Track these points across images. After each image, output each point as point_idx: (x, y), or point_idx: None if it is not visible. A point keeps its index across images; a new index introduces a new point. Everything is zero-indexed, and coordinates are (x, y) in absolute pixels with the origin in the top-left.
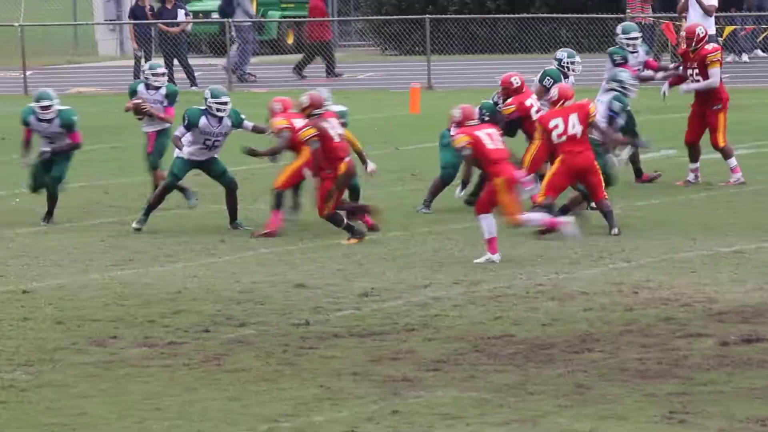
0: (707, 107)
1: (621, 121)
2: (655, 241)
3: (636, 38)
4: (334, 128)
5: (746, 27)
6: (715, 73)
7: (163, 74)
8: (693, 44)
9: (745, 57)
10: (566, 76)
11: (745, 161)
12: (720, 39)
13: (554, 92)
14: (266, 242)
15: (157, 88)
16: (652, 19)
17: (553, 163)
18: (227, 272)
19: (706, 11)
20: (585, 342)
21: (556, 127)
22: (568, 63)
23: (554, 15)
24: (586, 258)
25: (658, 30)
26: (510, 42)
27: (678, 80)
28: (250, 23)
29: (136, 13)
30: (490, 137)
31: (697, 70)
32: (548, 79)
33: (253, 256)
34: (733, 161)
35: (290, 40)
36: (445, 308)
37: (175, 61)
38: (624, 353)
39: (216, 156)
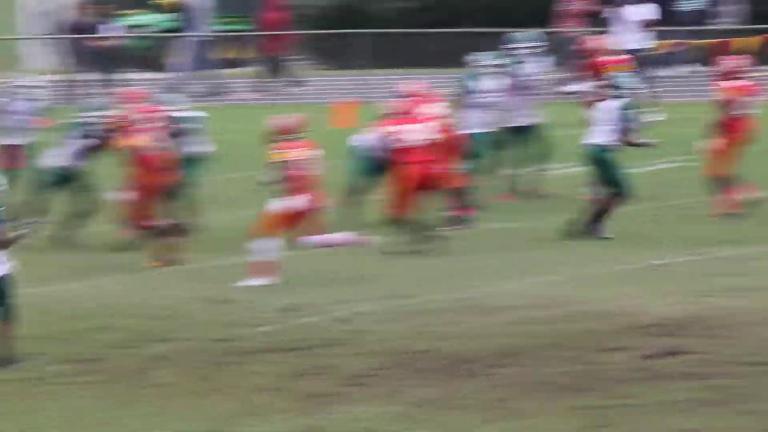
0: None
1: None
2: (580, 255)
3: (523, 48)
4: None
5: (677, 42)
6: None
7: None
8: (589, 57)
9: (679, 70)
10: None
11: (671, 175)
12: (654, 53)
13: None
14: (187, 258)
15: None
16: (581, 32)
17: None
18: (148, 288)
19: (640, 26)
20: (508, 356)
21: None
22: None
23: (489, 29)
24: (512, 271)
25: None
26: (448, 55)
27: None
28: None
29: (68, 28)
30: (305, 158)
31: (595, 83)
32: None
33: (174, 272)
34: None
35: (233, 55)
36: (368, 323)
37: (108, 76)
38: (547, 367)
39: None
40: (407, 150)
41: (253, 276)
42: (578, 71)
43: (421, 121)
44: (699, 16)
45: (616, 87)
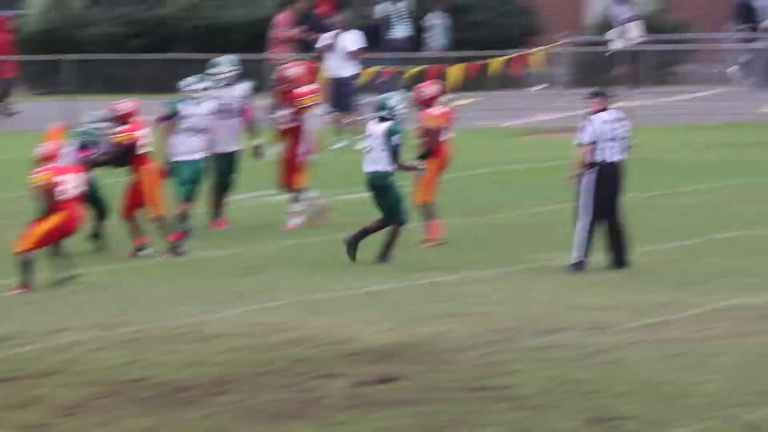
0: (296, 150)
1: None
2: (293, 281)
3: (224, 74)
4: None
5: (387, 69)
6: (310, 116)
7: None
8: (286, 86)
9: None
10: None
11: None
12: (363, 80)
13: None
14: None
15: None
16: (295, 60)
17: None
18: None
19: (350, 54)
20: (222, 384)
21: None
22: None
23: (198, 55)
24: (226, 299)
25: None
26: (158, 81)
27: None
28: None
29: None
30: (70, 182)
31: (292, 112)
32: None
33: None
34: (299, 206)
35: None
36: (80, 352)
37: None
38: (261, 394)
39: None
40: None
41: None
42: (277, 98)
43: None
44: (409, 44)
45: (382, 109)
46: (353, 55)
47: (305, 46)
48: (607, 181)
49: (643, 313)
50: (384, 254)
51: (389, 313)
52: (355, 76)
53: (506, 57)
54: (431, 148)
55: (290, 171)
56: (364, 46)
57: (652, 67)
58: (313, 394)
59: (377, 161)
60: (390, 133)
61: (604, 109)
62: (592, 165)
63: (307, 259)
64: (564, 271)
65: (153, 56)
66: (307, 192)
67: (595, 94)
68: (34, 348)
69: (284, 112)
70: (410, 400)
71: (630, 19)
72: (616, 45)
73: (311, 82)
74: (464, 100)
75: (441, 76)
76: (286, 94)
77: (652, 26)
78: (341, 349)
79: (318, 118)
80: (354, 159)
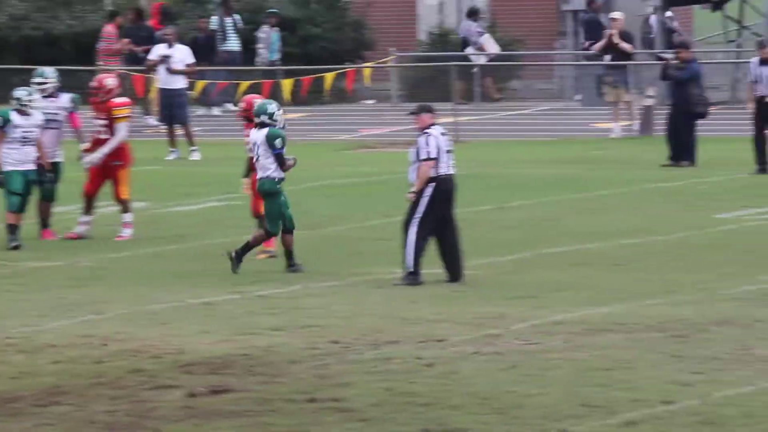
0: (109, 162)
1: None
2: (125, 292)
3: (47, 84)
4: None
5: (219, 82)
6: (121, 128)
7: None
8: (102, 96)
9: (216, 110)
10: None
11: (216, 213)
12: (192, 93)
13: None
14: None
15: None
16: (123, 71)
17: None
18: None
19: (179, 67)
20: (53, 395)
21: None
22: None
23: (28, 66)
24: (57, 310)
25: (127, 83)
26: None
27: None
28: None
29: None
30: None
31: (105, 122)
32: None
33: None
34: (128, 216)
35: None
36: None
37: None
38: (93, 406)
39: None
40: None
41: None
42: (94, 109)
43: None
44: (241, 57)
45: (261, 115)
46: (183, 70)
47: (133, 58)
48: (443, 195)
49: (478, 326)
50: (290, 263)
51: (223, 325)
52: (187, 89)
53: (339, 71)
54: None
55: (98, 181)
56: (193, 61)
57: (481, 83)
58: (146, 406)
59: (265, 168)
60: (271, 138)
61: (434, 124)
62: (432, 179)
63: (140, 270)
64: (398, 284)
65: None
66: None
67: (423, 109)
68: None
69: (99, 122)
70: (244, 411)
71: (481, 34)
72: (478, 60)
73: (134, 94)
74: (297, 114)
75: (274, 90)
76: (99, 105)
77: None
78: (175, 360)
79: (126, 130)
80: (187, 171)
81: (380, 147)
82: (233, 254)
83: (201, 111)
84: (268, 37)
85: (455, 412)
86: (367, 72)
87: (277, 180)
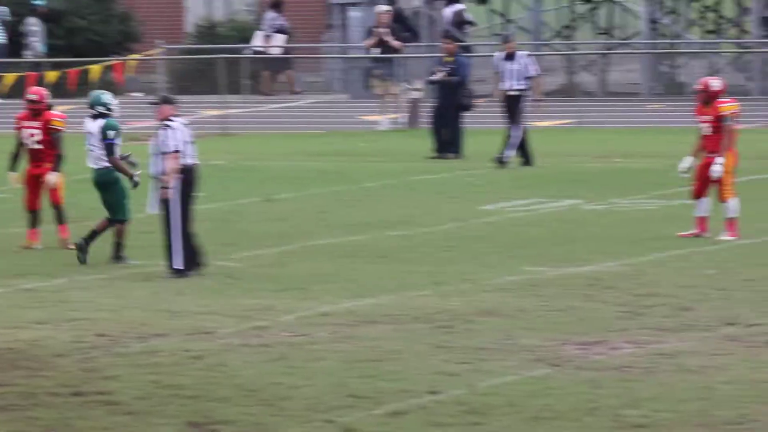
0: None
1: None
2: None
3: None
4: None
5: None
6: None
7: None
8: None
9: None
10: None
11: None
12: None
13: None
14: None
15: None
16: None
17: None
18: None
19: None
20: None
21: None
22: None
23: None
24: None
25: None
26: None
27: None
28: None
29: None
30: None
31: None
32: None
33: None
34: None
35: None
36: None
37: None
38: None
39: None
40: None
41: None
42: None
43: None
44: (6, 50)
45: (96, 105)
46: None
47: None
48: (190, 185)
49: (244, 318)
50: (117, 254)
51: None
52: None
53: (105, 63)
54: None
55: None
56: None
57: (250, 75)
58: None
59: (99, 158)
60: (105, 128)
61: (174, 115)
62: (180, 171)
63: None
64: (164, 277)
65: None
66: None
67: (164, 101)
68: None
69: None
70: (8, 405)
71: (279, 29)
72: (269, 51)
73: None
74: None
75: (40, 82)
76: None
77: (249, 36)
78: None
79: None
80: None
81: (142, 140)
82: (81, 243)
83: None
84: (34, 29)
85: (222, 404)
86: (132, 64)
87: (111, 169)
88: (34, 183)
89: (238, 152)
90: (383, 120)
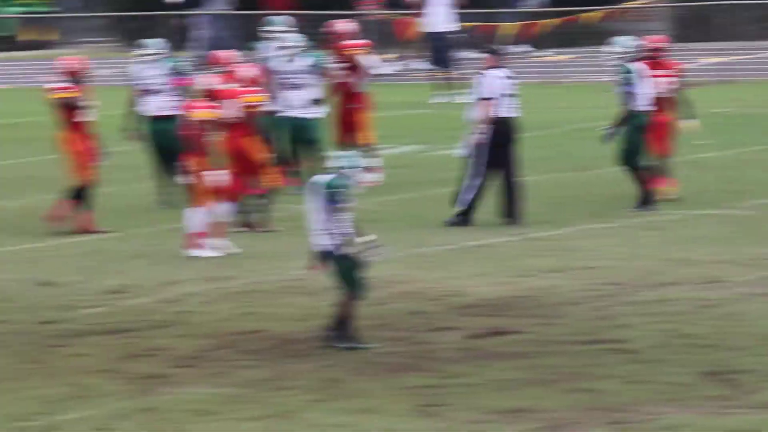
0: (350, 106)
1: None
2: (404, 235)
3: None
4: None
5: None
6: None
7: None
8: (341, 39)
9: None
10: None
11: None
12: (460, 35)
13: None
14: (10, 239)
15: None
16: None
17: None
18: None
19: (446, 8)
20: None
21: None
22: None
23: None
24: None
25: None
26: None
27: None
28: None
29: None
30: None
31: (342, 66)
32: None
33: None
34: (373, 161)
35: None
36: (195, 304)
37: None
38: (375, 347)
39: None
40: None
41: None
42: (331, 53)
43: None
44: None
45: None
46: (450, 8)
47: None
48: (502, 136)
49: (756, 267)
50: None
51: (500, 267)
52: (453, 31)
53: (602, 10)
54: None
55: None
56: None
57: (750, 21)
58: (425, 347)
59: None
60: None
61: (497, 66)
62: (493, 121)
63: (417, 213)
64: (445, 222)
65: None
66: None
67: (489, 51)
68: (149, 300)
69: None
70: (524, 353)
71: None
72: None
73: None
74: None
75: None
76: (335, 48)
77: None
78: (453, 302)
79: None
80: (454, 114)
81: None
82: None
83: (468, 54)
84: None
85: (737, 353)
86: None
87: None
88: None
89: (741, 99)
90: None
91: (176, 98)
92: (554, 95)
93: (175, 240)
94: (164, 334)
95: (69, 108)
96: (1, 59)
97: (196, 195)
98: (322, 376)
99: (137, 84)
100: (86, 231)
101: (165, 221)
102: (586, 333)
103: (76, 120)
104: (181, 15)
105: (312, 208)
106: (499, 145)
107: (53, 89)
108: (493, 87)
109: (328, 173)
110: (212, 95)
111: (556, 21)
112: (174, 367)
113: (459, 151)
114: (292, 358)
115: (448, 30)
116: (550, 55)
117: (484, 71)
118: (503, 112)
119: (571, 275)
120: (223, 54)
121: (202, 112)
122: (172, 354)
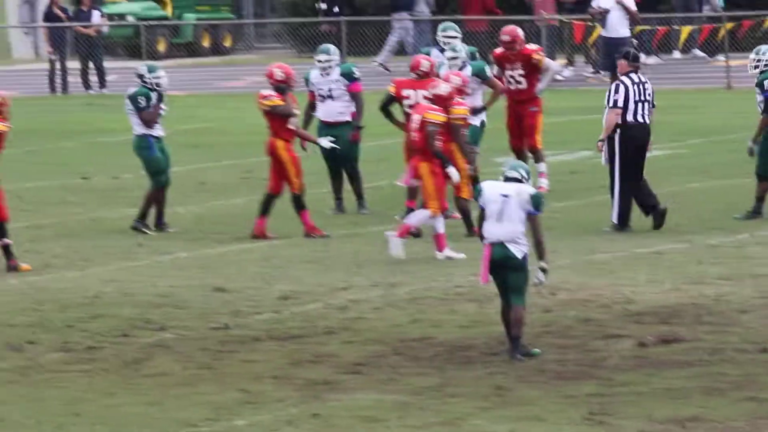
0: (524, 110)
1: None
2: (573, 242)
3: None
4: None
5: (659, 28)
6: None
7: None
8: (514, 46)
9: (654, 59)
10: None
11: (661, 163)
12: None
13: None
14: (184, 246)
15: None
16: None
17: None
18: (144, 276)
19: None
20: (504, 344)
21: None
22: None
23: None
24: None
25: (566, 31)
26: None
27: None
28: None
29: (50, 16)
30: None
31: (520, 71)
32: None
33: (171, 260)
34: (543, 166)
35: (206, 43)
36: (364, 311)
37: (91, 64)
38: (544, 354)
39: None
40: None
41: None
42: (504, 61)
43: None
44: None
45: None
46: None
47: (577, 6)
48: (631, 142)
49: None
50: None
51: (672, 274)
52: (631, 37)
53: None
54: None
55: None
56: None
57: None
58: (596, 355)
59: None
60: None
61: (631, 72)
62: (621, 128)
63: (586, 220)
64: (604, 231)
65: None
66: None
67: (623, 56)
68: (318, 306)
69: (515, 73)
70: (695, 361)
71: None
72: None
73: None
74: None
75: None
76: (512, 56)
77: None
78: (624, 309)
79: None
80: None
81: None
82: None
83: (650, 59)
84: None
85: None
86: None
87: None
88: None
89: None
90: None
91: (346, 105)
92: (732, 100)
93: (347, 246)
94: (333, 340)
95: (279, 116)
96: (180, 66)
97: (428, 198)
98: (488, 383)
99: (314, 90)
100: (261, 237)
101: (337, 227)
102: (756, 342)
103: (287, 127)
104: (334, 22)
105: (493, 215)
106: (629, 152)
107: (264, 96)
108: (625, 93)
109: (506, 181)
110: (438, 100)
111: (736, 24)
112: (341, 374)
113: (601, 159)
114: (459, 365)
115: (624, 36)
116: (729, 60)
117: (621, 77)
118: (635, 118)
119: (742, 282)
120: (425, 59)
121: (436, 114)
122: (340, 360)
